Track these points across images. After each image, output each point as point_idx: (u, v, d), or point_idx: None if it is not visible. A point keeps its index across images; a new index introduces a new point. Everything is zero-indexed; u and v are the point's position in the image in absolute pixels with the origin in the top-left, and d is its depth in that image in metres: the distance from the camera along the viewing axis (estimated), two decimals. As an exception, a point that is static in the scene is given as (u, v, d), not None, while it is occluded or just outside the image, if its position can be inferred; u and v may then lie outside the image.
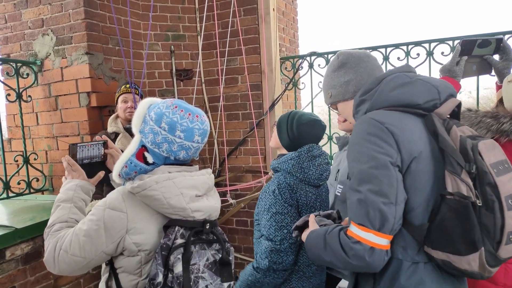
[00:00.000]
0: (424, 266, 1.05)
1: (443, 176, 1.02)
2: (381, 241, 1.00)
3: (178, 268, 1.11)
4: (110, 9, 2.83)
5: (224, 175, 3.36)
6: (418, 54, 2.84)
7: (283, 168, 1.69)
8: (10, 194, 2.64)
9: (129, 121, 2.53)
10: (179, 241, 1.14)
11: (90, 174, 1.37)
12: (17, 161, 2.73)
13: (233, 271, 1.25)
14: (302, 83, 3.43)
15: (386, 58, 2.92)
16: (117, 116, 2.60)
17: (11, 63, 2.72)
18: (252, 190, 3.25)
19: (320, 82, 3.21)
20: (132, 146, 1.25)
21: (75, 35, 2.75)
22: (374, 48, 2.94)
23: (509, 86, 1.49)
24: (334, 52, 3.15)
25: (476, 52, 1.68)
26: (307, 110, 3.40)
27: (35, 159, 2.85)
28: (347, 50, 1.36)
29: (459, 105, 1.15)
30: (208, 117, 1.62)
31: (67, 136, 2.83)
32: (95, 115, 2.81)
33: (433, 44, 2.81)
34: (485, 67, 1.73)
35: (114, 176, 1.25)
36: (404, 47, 2.86)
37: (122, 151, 1.33)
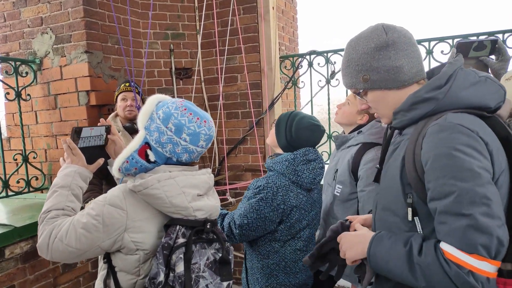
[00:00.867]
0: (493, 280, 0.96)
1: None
2: (495, 269, 0.88)
3: (180, 268, 1.10)
4: (109, 7, 2.83)
5: (224, 173, 3.36)
6: (417, 53, 2.84)
7: (277, 168, 1.71)
8: (9, 193, 2.64)
9: (128, 119, 2.53)
10: (181, 240, 1.14)
11: (89, 159, 1.35)
12: (16, 159, 2.73)
13: (232, 270, 1.25)
14: (302, 81, 3.43)
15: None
16: (117, 115, 2.60)
17: (10, 62, 2.71)
18: (252, 188, 3.25)
19: (320, 81, 3.21)
20: (136, 142, 1.24)
21: (74, 34, 2.74)
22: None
23: (506, 84, 1.48)
24: (334, 51, 3.15)
25: (472, 55, 1.69)
26: (307, 109, 3.41)
27: (34, 157, 2.85)
28: (392, 24, 1.10)
29: None
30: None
31: (66, 134, 2.83)
32: (94, 113, 2.80)
33: (432, 43, 2.81)
34: (481, 68, 1.74)
35: (114, 170, 1.25)
36: (404, 46, 2.85)
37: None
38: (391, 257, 0.98)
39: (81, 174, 1.30)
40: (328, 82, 3.19)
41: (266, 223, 1.66)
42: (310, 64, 3.24)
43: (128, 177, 1.26)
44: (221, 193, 3.33)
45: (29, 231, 2.20)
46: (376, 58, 1.08)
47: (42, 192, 2.91)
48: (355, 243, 1.09)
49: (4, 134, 3.12)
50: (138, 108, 2.19)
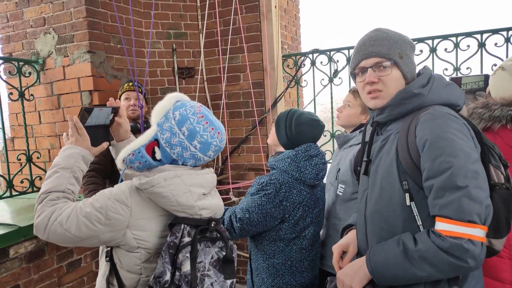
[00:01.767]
0: None
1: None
2: (484, 234, 1.01)
3: (186, 267, 1.10)
4: (111, 7, 2.83)
5: (227, 173, 3.36)
6: (421, 51, 2.83)
7: (279, 166, 1.71)
8: (13, 193, 2.65)
9: (131, 119, 2.53)
10: (186, 239, 1.14)
11: (93, 139, 1.33)
12: (20, 159, 2.74)
13: (235, 268, 1.25)
14: (305, 80, 3.42)
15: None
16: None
17: (13, 62, 2.72)
18: (255, 188, 3.25)
19: (323, 79, 3.21)
20: (145, 137, 1.24)
21: (76, 34, 2.74)
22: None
23: (493, 78, 1.61)
24: (336, 49, 3.14)
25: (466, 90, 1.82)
26: (310, 107, 3.40)
27: (38, 157, 2.86)
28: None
29: None
30: (211, 115, 1.64)
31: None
32: (98, 113, 2.80)
33: (436, 41, 2.80)
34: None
35: (119, 159, 1.24)
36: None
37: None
38: (390, 263, 1.06)
39: (84, 156, 1.29)
40: (331, 80, 3.18)
41: (267, 219, 1.65)
42: (313, 63, 3.23)
43: (130, 170, 1.26)
44: (224, 192, 3.33)
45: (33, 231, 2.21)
46: (409, 49, 1.22)
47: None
48: (355, 271, 1.15)
49: (8, 134, 3.13)
50: (141, 108, 2.19)
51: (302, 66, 3.33)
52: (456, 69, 2.77)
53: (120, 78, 2.95)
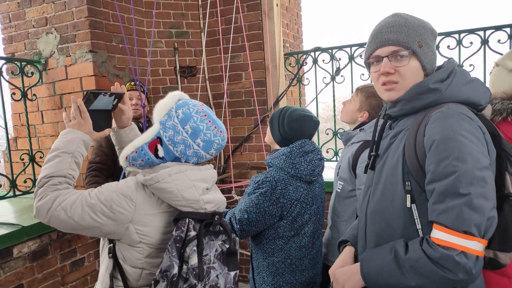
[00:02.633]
0: None
1: (497, 176, 1.02)
2: (482, 247, 0.93)
3: (194, 260, 1.12)
4: (113, 6, 2.83)
5: (229, 171, 3.36)
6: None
7: (275, 163, 1.72)
8: (17, 193, 2.66)
9: (134, 118, 2.53)
10: (192, 233, 1.15)
11: (95, 124, 1.32)
12: (23, 159, 2.74)
13: (238, 260, 1.28)
14: (307, 78, 3.42)
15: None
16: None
17: (15, 62, 2.73)
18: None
19: (325, 77, 3.20)
20: (148, 135, 1.24)
21: (78, 33, 2.75)
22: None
23: (490, 77, 1.63)
24: (338, 47, 3.13)
25: None
26: (312, 106, 3.39)
27: (40, 157, 2.86)
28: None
29: None
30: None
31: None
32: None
33: (438, 38, 2.78)
34: None
35: (122, 157, 1.25)
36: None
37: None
38: (383, 271, 1.01)
39: (85, 141, 1.29)
40: (333, 78, 3.17)
41: (266, 218, 1.66)
42: (315, 61, 3.22)
43: (132, 167, 1.27)
44: (226, 191, 3.33)
45: (37, 230, 2.22)
46: (430, 37, 1.12)
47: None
48: (351, 274, 1.11)
49: (11, 134, 3.14)
50: (143, 107, 2.19)
51: (304, 64, 3.32)
52: (459, 66, 2.75)
53: (122, 78, 2.96)
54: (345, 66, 3.13)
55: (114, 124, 1.47)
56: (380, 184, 1.13)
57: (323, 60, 3.19)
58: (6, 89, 2.84)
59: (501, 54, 2.63)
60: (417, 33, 1.09)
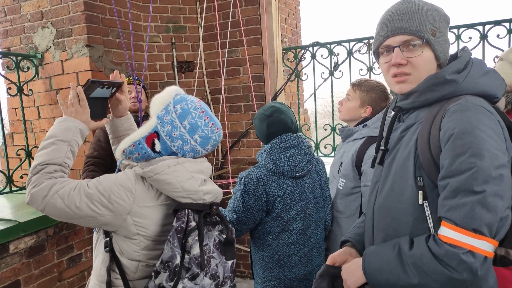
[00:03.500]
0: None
1: None
2: (492, 248, 0.88)
3: (196, 250, 1.14)
4: (109, 0, 2.80)
5: (227, 167, 3.35)
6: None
7: (259, 159, 1.77)
8: (13, 188, 2.64)
9: (132, 111, 2.51)
10: (193, 223, 1.17)
11: (92, 112, 1.32)
12: (19, 155, 2.73)
13: (235, 249, 1.30)
14: (305, 74, 3.40)
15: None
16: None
17: (11, 57, 2.70)
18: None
19: (323, 73, 3.18)
20: (145, 129, 1.24)
21: (75, 28, 2.72)
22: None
23: (496, 69, 1.62)
24: (337, 42, 3.11)
25: None
26: (310, 101, 3.38)
27: (37, 153, 2.85)
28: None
29: None
30: (210, 109, 1.63)
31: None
32: (97, 108, 2.79)
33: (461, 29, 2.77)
34: None
35: (118, 150, 1.25)
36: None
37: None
38: (384, 268, 0.97)
39: (82, 130, 1.29)
40: (331, 74, 3.16)
41: (254, 214, 1.70)
42: (313, 56, 3.21)
43: (128, 160, 1.27)
44: (224, 186, 3.33)
45: (33, 226, 2.21)
46: (443, 24, 1.06)
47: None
48: (353, 269, 1.08)
49: (7, 130, 3.12)
50: (140, 102, 2.18)
51: (303, 59, 3.30)
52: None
53: (119, 72, 2.93)
54: (344, 61, 3.12)
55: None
56: (389, 178, 1.08)
57: (322, 55, 3.18)
58: (2, 84, 2.82)
59: (500, 49, 2.65)
60: (430, 20, 1.02)
